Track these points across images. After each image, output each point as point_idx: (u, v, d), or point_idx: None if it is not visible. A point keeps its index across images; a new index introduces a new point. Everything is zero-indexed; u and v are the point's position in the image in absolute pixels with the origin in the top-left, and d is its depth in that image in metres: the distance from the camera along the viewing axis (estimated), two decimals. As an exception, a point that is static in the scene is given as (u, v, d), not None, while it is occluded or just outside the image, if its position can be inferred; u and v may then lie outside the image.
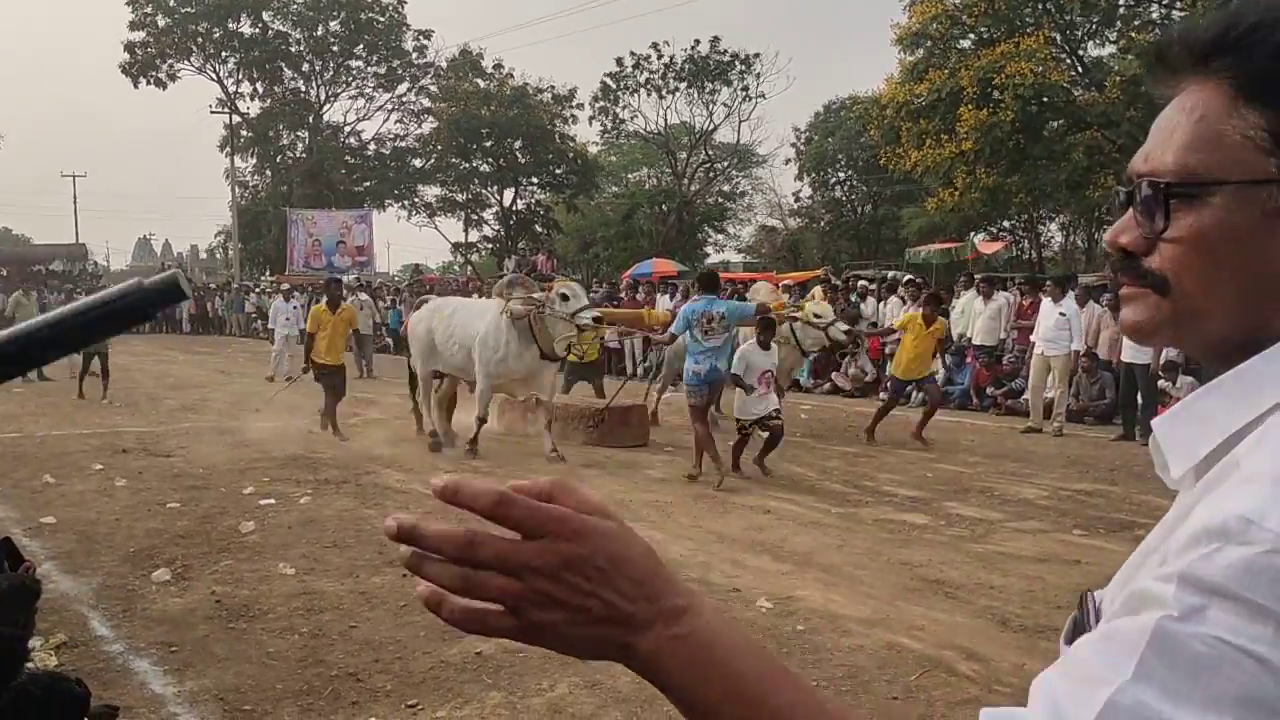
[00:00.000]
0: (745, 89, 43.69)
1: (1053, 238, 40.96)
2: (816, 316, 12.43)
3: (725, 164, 47.29)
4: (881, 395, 14.74)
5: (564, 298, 10.75)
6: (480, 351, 11.02)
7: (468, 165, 46.18)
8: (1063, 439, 13.24)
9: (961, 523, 8.41)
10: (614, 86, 44.37)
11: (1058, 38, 26.68)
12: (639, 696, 4.75)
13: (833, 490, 9.68)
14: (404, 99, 49.16)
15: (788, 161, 48.16)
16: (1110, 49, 27.94)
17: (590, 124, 46.63)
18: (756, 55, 43.69)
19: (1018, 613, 6.05)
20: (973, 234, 31.01)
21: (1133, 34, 25.75)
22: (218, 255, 65.72)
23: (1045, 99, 25.06)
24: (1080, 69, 27.39)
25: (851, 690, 4.87)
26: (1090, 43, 27.86)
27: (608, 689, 4.84)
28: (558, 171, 46.12)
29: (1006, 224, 37.05)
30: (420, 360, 12.06)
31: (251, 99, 49.37)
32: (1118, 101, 24.92)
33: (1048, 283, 15.06)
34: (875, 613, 6.03)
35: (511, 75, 46.05)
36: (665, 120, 45.27)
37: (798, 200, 47.78)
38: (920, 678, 5.01)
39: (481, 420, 11.28)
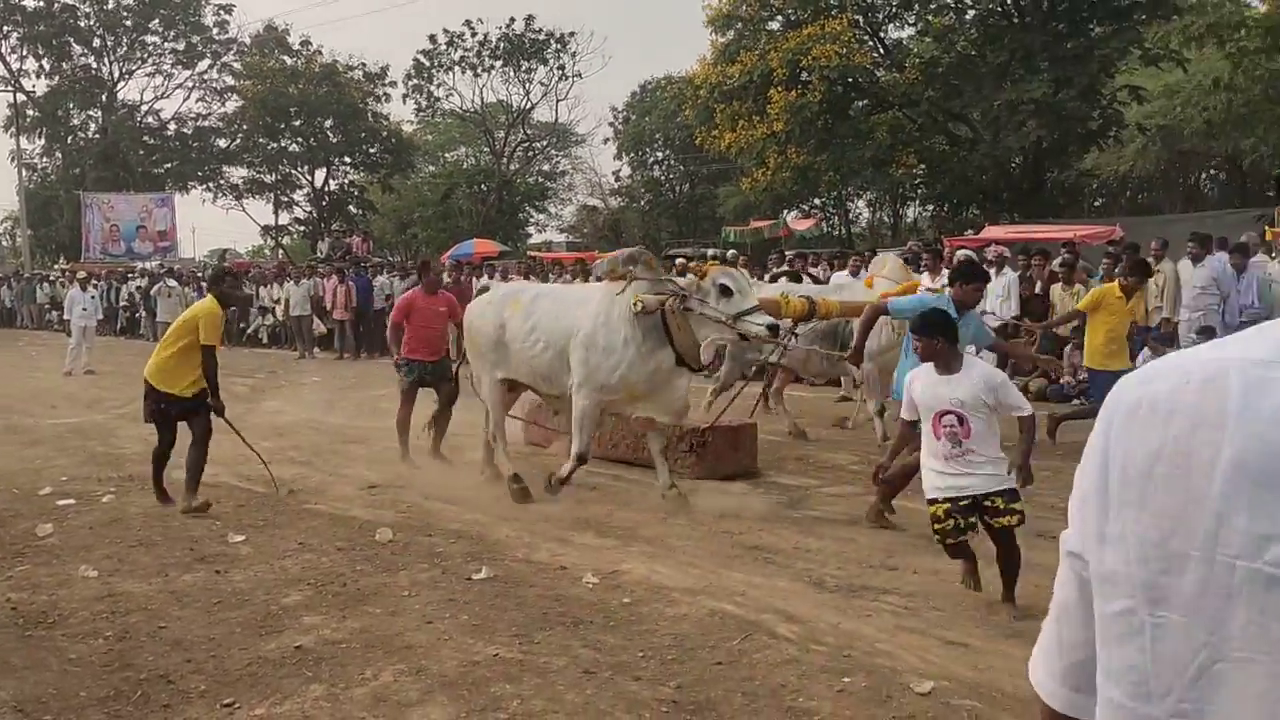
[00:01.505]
0: (561, 68, 43.68)
1: (860, 214, 42.50)
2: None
3: (544, 143, 47.16)
4: (1078, 401, 12.09)
5: (725, 291, 7.53)
6: (586, 355, 7.95)
7: (276, 145, 44.60)
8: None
9: (779, 490, 8.67)
10: (427, 64, 43.60)
11: (860, 20, 27.62)
12: (466, 680, 4.72)
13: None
14: (205, 76, 47.03)
15: (606, 141, 48.47)
16: (909, 31, 29.14)
17: (404, 102, 45.58)
18: (572, 34, 43.76)
19: (833, 573, 6.29)
20: (786, 212, 31.85)
21: (929, 17, 26.92)
22: (4, 243, 61.49)
23: (850, 80, 25.94)
24: (882, 51, 28.45)
25: (677, 658, 4.96)
26: (890, 25, 28.98)
27: (434, 674, 4.80)
28: (371, 151, 45.06)
29: (818, 201, 38.19)
30: (485, 365, 8.85)
31: (38, 76, 46.30)
32: (917, 82, 26.01)
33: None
34: (698, 582, 6.16)
35: (320, 52, 44.66)
36: (482, 99, 44.82)
37: (618, 179, 48.10)
38: (742, 642, 5.15)
39: (582, 459, 8.15)
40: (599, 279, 8.51)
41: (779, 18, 27.44)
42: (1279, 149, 23.57)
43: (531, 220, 49.89)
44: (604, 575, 6.27)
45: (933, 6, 26.97)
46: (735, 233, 28.14)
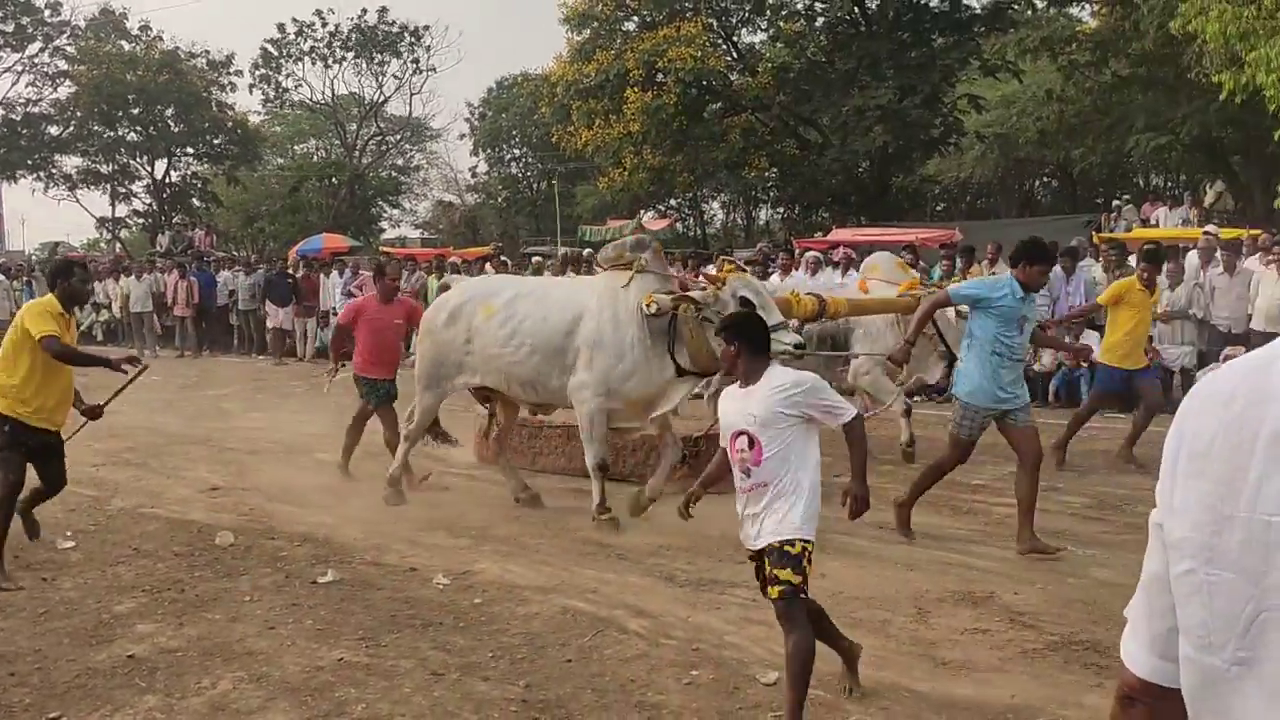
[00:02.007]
0: (415, 61, 42.89)
1: (715, 215, 43.11)
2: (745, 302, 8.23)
3: (398, 137, 46.29)
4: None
5: (745, 305, 6.59)
6: (592, 356, 7.25)
7: (112, 134, 42.51)
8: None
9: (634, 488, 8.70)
10: (275, 54, 42.28)
11: (715, 24, 28.00)
12: (309, 685, 4.61)
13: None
14: (36, 60, 44.55)
15: (462, 136, 47.78)
16: (762, 36, 29.68)
17: (251, 92, 44.06)
18: (426, 27, 43.05)
19: (684, 568, 6.36)
20: (643, 212, 32.08)
21: (781, 23, 27.47)
22: None
23: (705, 83, 26.27)
24: (735, 54, 28.90)
25: (527, 657, 4.95)
26: (744, 30, 29.45)
27: (275, 681, 4.67)
28: (216, 142, 43.37)
29: (674, 202, 38.56)
30: (430, 377, 7.92)
31: None
32: (769, 86, 26.51)
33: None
34: (550, 580, 6.15)
35: (160, 38, 42.79)
36: (333, 91, 43.68)
37: (474, 176, 47.62)
38: (593, 639, 5.17)
39: (603, 468, 7.40)
40: (600, 267, 7.78)
41: (634, 18, 27.61)
42: (1107, 158, 24.84)
43: (385, 215, 48.94)
44: (455, 576, 6.21)
45: (784, 13, 27.54)
46: (591, 231, 28.22)
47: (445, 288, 8.65)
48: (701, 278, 7.32)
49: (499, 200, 46.04)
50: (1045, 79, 24.95)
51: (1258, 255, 12.52)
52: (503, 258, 21.20)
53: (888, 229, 21.05)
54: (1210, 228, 15.43)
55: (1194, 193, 22.92)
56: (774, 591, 4.00)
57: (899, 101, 23.57)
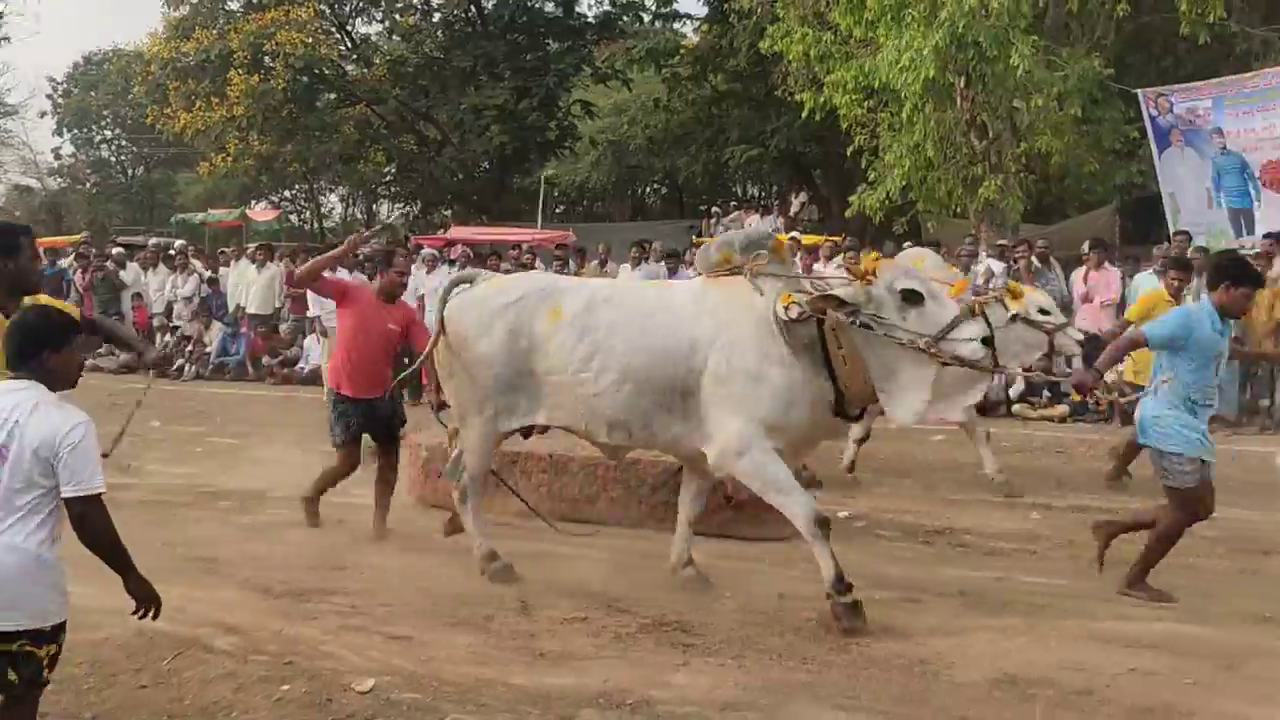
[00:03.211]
0: (-14, 30, 38.24)
1: (334, 209, 41.79)
2: (1042, 312, 7.13)
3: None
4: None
5: (912, 299, 5.22)
6: (738, 395, 5.33)
7: None
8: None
9: (230, 497, 8.18)
10: None
11: (328, 11, 27.10)
12: None
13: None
14: None
15: (44, 114, 43.12)
16: (378, 27, 29.10)
17: None
18: (-5, -8, 38.47)
19: (281, 579, 6.03)
20: (255, 202, 30.52)
21: (397, 15, 27.06)
22: None
23: (317, 71, 25.37)
24: (350, 44, 28.12)
25: (95, 687, 4.49)
26: (358, 20, 28.73)
27: None
28: None
29: (288, 193, 36.94)
30: (485, 405, 5.85)
31: None
32: (385, 79, 26.03)
33: None
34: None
35: None
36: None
37: (58, 158, 43.15)
38: (173, 661, 4.77)
39: (823, 523, 5.25)
40: (699, 272, 5.94)
41: (239, -1, 26.19)
42: (708, 167, 26.46)
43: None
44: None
45: (399, 5, 27.13)
46: (184, 220, 26.60)
47: (463, 281, 6.17)
48: (841, 272, 5.56)
49: (88, 186, 42.05)
50: (653, 89, 26.26)
51: (822, 260, 13.85)
52: (106, 249, 19.10)
53: (507, 229, 21.29)
54: (795, 234, 16.86)
55: (783, 202, 24.97)
56: None
57: (516, 103, 23.91)
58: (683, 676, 4.57)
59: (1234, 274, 5.53)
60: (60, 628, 3.44)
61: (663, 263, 14.26)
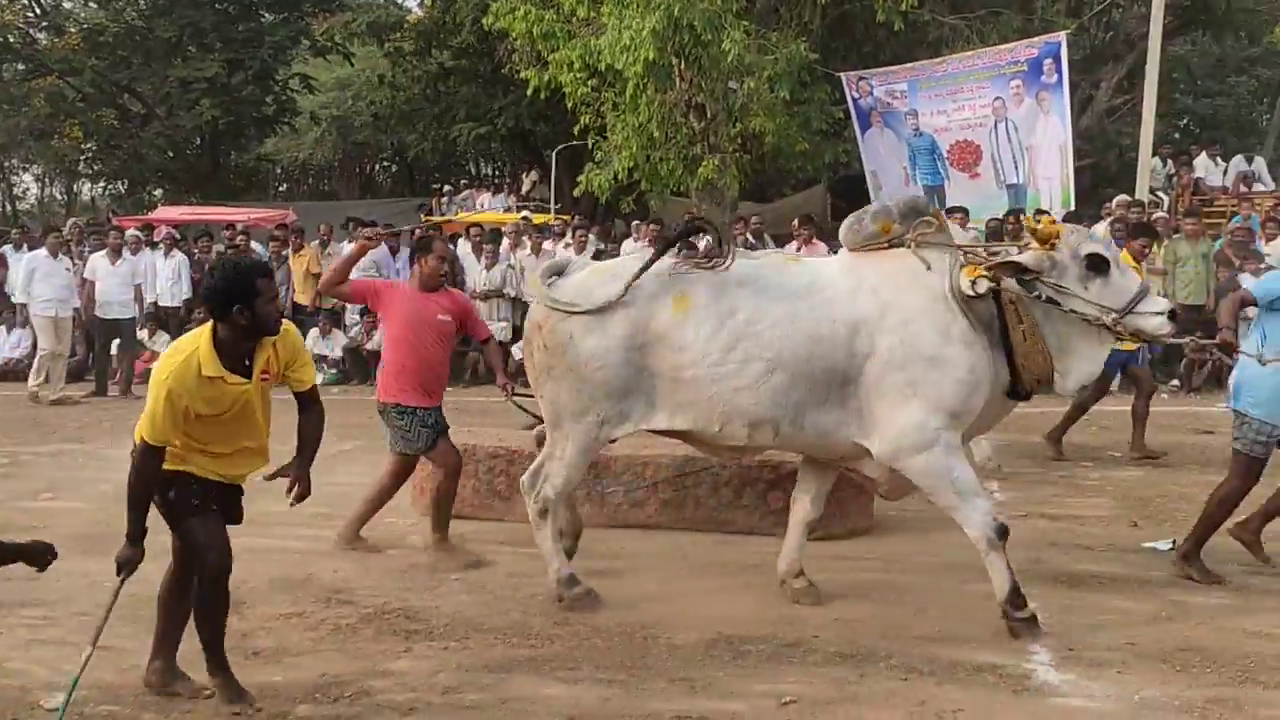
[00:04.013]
0: None
1: (28, 189, 38.39)
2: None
3: None
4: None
5: (1097, 266, 4.87)
6: (916, 381, 4.79)
7: None
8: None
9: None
10: None
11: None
12: None
13: None
14: None
15: None
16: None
17: None
18: None
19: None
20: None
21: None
22: None
23: (3, 40, 23.18)
24: (39, 10, 25.83)
25: None
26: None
27: None
28: None
29: (-27, 172, 33.63)
30: (572, 411, 5.07)
31: None
32: (80, 49, 24.06)
33: None
34: None
35: None
36: None
37: None
38: None
39: (1003, 532, 4.80)
40: (849, 249, 5.22)
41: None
42: (438, 145, 25.99)
43: None
44: None
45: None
46: None
47: (555, 270, 5.32)
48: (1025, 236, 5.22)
49: None
50: (377, 64, 25.52)
51: (554, 238, 13.96)
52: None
53: (221, 209, 20.20)
54: (526, 213, 16.89)
55: (514, 181, 24.92)
56: None
57: (228, 76, 22.69)
58: (404, 664, 4.48)
59: None
60: None
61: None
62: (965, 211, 12.89)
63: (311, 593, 5.40)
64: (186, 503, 4.03)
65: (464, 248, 13.90)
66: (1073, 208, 13.02)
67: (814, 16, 15.32)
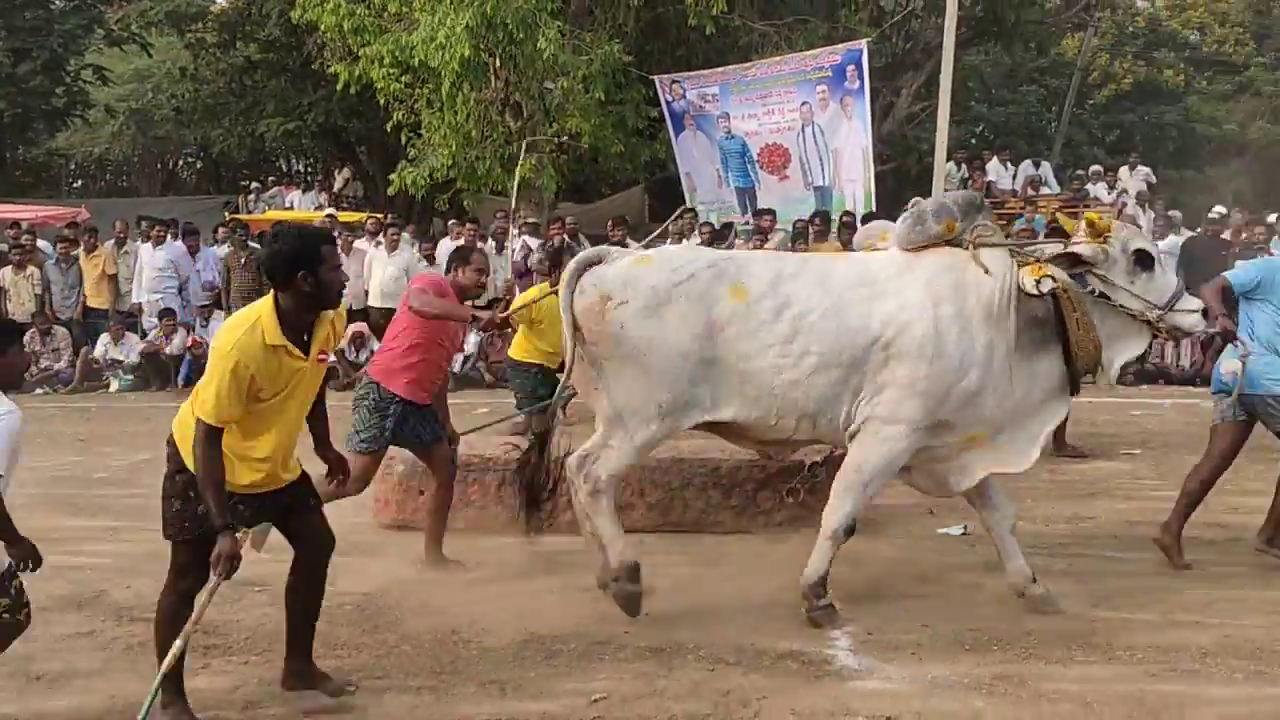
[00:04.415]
0: None
1: None
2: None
3: None
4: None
5: (1144, 262, 5.06)
6: (914, 369, 4.84)
7: None
8: None
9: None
10: None
11: None
12: None
13: None
14: None
15: None
16: None
17: None
18: None
19: None
20: None
21: None
22: None
23: None
24: None
25: None
26: None
27: None
28: None
29: None
30: (632, 410, 4.91)
31: None
32: None
33: None
34: None
35: None
36: None
37: None
38: None
39: (850, 534, 5.08)
40: (906, 249, 5.17)
41: None
42: (245, 141, 25.00)
43: None
44: None
45: None
46: None
47: (589, 263, 5.12)
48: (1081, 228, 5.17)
49: None
50: (180, 56, 24.40)
51: (365, 237, 13.68)
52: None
53: (5, 206, 18.92)
54: (330, 211, 16.50)
55: (326, 178, 24.23)
56: None
57: (13, 66, 21.32)
58: (201, 680, 4.30)
59: None
60: None
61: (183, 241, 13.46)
62: (774, 213, 13.30)
63: (102, 611, 5.15)
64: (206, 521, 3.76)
65: (272, 247, 13.46)
66: (874, 210, 13.55)
67: (628, 19, 15.49)
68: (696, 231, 12.98)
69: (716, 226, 13.38)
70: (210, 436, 3.68)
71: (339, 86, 15.44)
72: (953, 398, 4.87)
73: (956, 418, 4.92)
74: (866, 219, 12.65)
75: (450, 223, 15.40)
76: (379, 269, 12.80)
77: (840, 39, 15.85)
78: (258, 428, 3.84)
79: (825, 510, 5.00)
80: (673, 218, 5.29)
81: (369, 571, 5.62)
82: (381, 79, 14.81)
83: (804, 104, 14.64)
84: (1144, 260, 5.03)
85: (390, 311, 13.01)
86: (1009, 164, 17.79)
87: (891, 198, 16.15)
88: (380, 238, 13.31)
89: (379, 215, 15.79)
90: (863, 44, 14.67)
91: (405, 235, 14.02)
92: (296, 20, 16.35)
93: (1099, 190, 16.63)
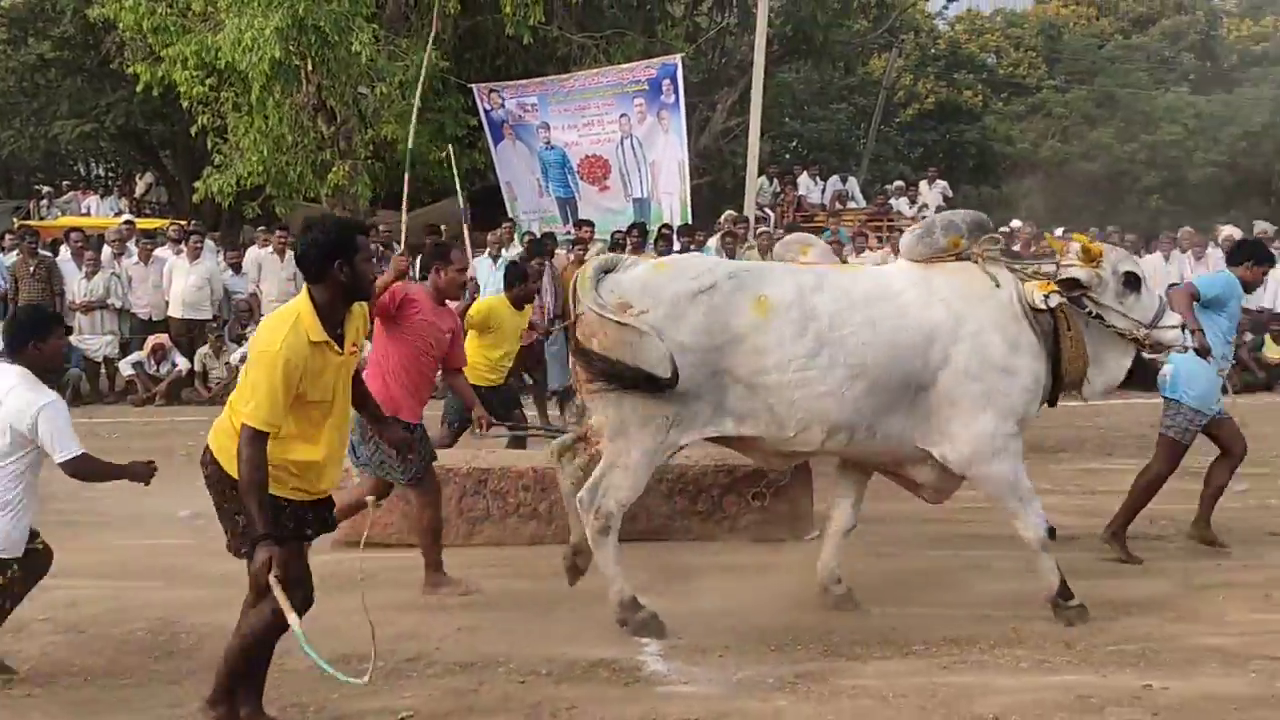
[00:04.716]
0: None
1: None
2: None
3: None
4: None
5: (1132, 284, 5.39)
6: (988, 391, 5.03)
7: None
8: None
9: None
10: None
11: None
12: None
13: None
14: None
15: None
16: None
17: None
18: None
19: None
20: None
21: None
22: None
23: None
24: None
25: None
26: None
27: None
28: None
29: None
30: (643, 417, 4.84)
31: None
32: None
33: None
34: None
35: None
36: None
37: None
38: None
39: (1053, 535, 5.31)
40: (913, 260, 5.35)
41: None
42: (39, 143, 23.55)
43: None
44: None
45: None
46: None
47: (605, 270, 5.04)
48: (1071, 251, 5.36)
49: None
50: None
51: (169, 245, 13.11)
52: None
53: None
54: (129, 217, 15.75)
55: (127, 183, 23.10)
56: None
57: None
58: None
59: (1258, 254, 6.40)
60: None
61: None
62: (593, 225, 13.35)
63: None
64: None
65: (64, 254, 12.70)
66: (690, 222, 13.77)
67: (445, 26, 15.30)
68: (516, 241, 12.94)
69: (538, 235, 13.35)
70: (256, 441, 3.53)
71: (139, 88, 14.72)
72: (1023, 402, 5.12)
73: (1030, 414, 5.22)
74: (683, 230, 12.91)
75: (259, 230, 14.88)
76: (180, 278, 12.28)
77: (657, 53, 16.07)
78: (312, 432, 3.73)
79: (1020, 531, 5.15)
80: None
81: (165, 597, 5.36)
82: (185, 81, 14.19)
83: (622, 116, 14.76)
84: (1132, 282, 5.35)
85: (192, 323, 12.61)
86: (818, 179, 18.40)
87: (708, 210, 16.50)
88: (182, 245, 12.75)
89: (181, 222, 15.14)
90: (677, 59, 14.89)
91: (209, 243, 13.47)
92: (93, 17, 15.53)
93: (901, 204, 17.40)
